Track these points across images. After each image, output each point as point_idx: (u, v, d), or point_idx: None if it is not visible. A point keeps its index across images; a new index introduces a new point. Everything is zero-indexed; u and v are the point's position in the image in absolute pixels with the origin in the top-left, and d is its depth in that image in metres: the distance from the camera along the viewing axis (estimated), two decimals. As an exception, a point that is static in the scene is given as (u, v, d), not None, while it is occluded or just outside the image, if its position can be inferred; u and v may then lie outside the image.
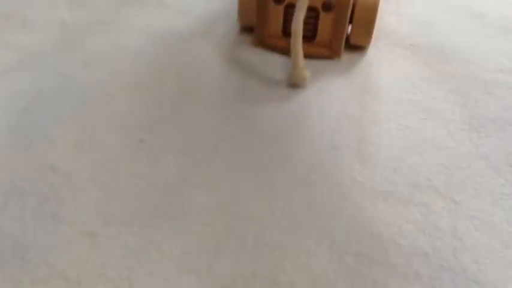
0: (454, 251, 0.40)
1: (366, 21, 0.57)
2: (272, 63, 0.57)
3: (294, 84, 0.54)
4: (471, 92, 0.55)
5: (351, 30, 0.58)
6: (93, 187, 0.43)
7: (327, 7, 0.54)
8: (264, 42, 0.59)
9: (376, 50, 0.60)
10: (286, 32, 0.56)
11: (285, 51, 0.56)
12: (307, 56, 0.54)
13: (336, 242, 0.40)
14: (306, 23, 0.54)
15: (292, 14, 0.53)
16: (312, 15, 0.56)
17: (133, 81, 0.54)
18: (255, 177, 0.45)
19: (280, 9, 0.56)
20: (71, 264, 0.38)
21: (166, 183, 0.44)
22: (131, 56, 0.58)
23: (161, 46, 0.59)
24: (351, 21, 0.57)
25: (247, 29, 0.61)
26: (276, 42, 0.58)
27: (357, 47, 0.59)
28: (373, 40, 0.58)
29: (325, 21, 0.56)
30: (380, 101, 0.53)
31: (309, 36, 0.57)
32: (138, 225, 0.40)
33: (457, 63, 0.59)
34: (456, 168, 0.47)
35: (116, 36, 0.61)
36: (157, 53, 0.58)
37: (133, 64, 0.56)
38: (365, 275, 0.38)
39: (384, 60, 0.59)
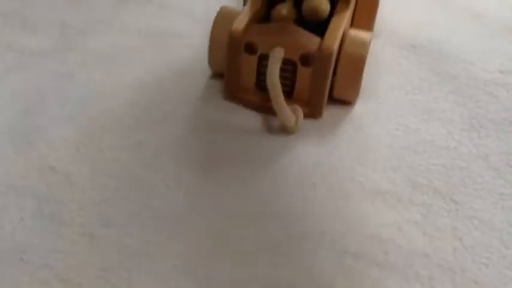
0: (454, 251, 0.40)
1: (352, 75, 0.50)
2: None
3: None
4: (471, 93, 0.55)
5: (335, 83, 0.50)
6: (92, 188, 0.43)
7: (305, 61, 0.47)
8: (235, 96, 0.51)
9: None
10: (261, 86, 0.49)
11: (259, 108, 0.50)
12: None
13: (336, 243, 0.40)
14: (281, 76, 0.46)
15: (266, 66, 0.46)
16: (289, 69, 0.47)
17: (132, 82, 0.54)
18: (255, 178, 0.45)
19: (253, 60, 0.48)
20: (70, 265, 0.37)
21: (165, 184, 0.44)
22: (131, 56, 0.58)
23: (161, 47, 0.59)
24: (334, 73, 0.50)
25: (219, 75, 0.54)
26: (249, 97, 0.50)
27: (341, 101, 0.52)
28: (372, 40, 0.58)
29: (303, 76, 0.48)
30: (380, 101, 0.53)
31: (286, 91, 0.48)
32: (137, 227, 0.40)
33: (457, 63, 0.59)
34: (456, 169, 0.47)
35: (115, 36, 0.61)
36: (157, 54, 0.58)
37: (133, 65, 0.56)
38: (365, 275, 0.38)
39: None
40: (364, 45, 0.49)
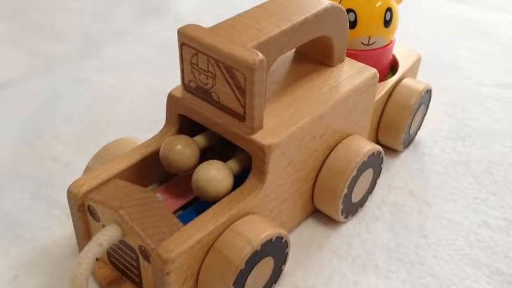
0: (417, 247, 0.41)
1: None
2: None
3: None
4: (463, 104, 0.56)
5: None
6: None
7: (144, 255, 0.33)
8: None
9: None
10: (111, 261, 0.37)
11: (108, 285, 0.37)
12: None
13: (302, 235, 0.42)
14: (126, 260, 0.35)
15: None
16: (133, 257, 0.34)
17: (141, 87, 0.58)
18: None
19: (100, 227, 0.35)
20: (56, 242, 0.41)
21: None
22: (143, 64, 0.62)
23: (173, 57, 0.62)
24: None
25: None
26: (97, 269, 0.38)
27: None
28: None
29: (146, 270, 0.34)
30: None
31: (136, 281, 0.36)
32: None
33: (454, 77, 0.61)
34: (434, 173, 0.48)
35: (132, 46, 0.65)
36: (168, 64, 0.61)
37: (144, 72, 0.61)
38: (324, 264, 0.40)
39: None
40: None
